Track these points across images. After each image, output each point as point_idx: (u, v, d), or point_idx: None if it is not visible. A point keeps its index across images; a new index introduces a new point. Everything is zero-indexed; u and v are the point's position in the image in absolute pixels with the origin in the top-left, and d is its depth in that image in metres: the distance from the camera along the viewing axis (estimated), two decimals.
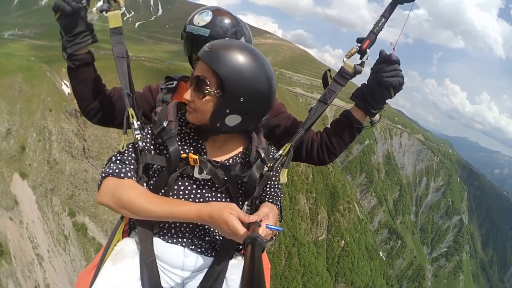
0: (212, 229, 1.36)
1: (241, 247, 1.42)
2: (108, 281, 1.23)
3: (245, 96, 1.25)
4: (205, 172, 1.31)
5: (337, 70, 1.62)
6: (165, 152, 1.34)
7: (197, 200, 1.34)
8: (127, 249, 1.34)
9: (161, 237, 1.35)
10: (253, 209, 1.38)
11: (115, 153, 1.37)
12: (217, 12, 1.73)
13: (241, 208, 1.31)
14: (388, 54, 1.48)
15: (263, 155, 1.35)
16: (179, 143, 1.35)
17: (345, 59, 1.57)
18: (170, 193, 1.32)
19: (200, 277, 1.38)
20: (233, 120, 1.29)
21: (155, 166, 1.35)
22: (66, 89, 55.57)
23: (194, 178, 1.33)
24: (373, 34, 1.54)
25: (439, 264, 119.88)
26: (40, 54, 71.98)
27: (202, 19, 1.69)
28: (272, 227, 1.20)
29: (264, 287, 0.72)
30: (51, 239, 50.19)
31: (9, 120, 50.82)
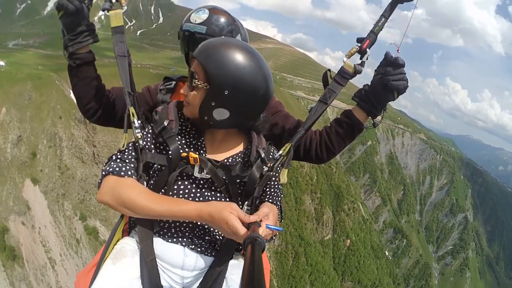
0: (212, 229, 1.36)
1: (241, 247, 1.43)
2: (108, 280, 1.24)
3: (229, 90, 1.25)
4: (205, 171, 1.32)
5: (327, 69, 1.67)
6: (165, 151, 1.35)
7: (197, 200, 1.34)
8: (127, 248, 1.35)
9: (161, 237, 1.36)
10: (253, 209, 1.39)
11: (116, 152, 1.39)
12: (214, 10, 1.78)
13: (241, 208, 1.33)
14: (394, 57, 1.49)
15: (263, 155, 1.36)
16: (179, 142, 1.36)
17: (345, 59, 1.59)
18: (170, 192, 1.33)
19: (200, 276, 1.39)
20: (220, 114, 1.29)
21: (156, 165, 1.36)
22: None
23: (194, 177, 1.34)
24: (373, 34, 1.56)
25: (445, 262, 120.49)
26: (47, 63, 73.45)
27: (199, 17, 1.74)
28: (272, 227, 1.20)
29: (264, 287, 0.72)
30: (63, 243, 51.20)
31: (20, 128, 52.08)
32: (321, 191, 74.27)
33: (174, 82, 1.81)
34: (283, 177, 1.47)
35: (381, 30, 1.55)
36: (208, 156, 1.36)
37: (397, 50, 1.50)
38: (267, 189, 1.45)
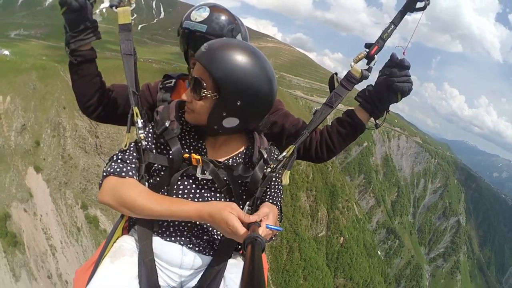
0: (210, 228, 1.36)
1: (239, 246, 1.45)
2: (106, 278, 1.24)
3: (242, 100, 1.22)
4: (207, 172, 1.31)
5: (334, 73, 1.66)
6: (166, 151, 1.33)
7: (197, 200, 1.33)
8: (126, 246, 1.35)
9: (160, 235, 1.35)
10: (254, 210, 1.37)
11: (117, 152, 1.37)
12: (215, 8, 1.76)
13: (242, 208, 1.32)
14: (401, 59, 1.48)
15: (265, 155, 1.34)
16: (182, 143, 1.34)
17: (352, 63, 1.58)
18: (172, 193, 1.32)
19: (198, 275, 1.38)
20: (230, 122, 1.27)
21: (157, 165, 1.34)
22: None
23: (195, 178, 1.33)
24: (382, 40, 1.56)
25: (437, 264, 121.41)
26: (51, 53, 73.63)
27: (199, 15, 1.72)
28: (272, 227, 1.19)
29: (264, 287, 0.73)
30: (64, 231, 52.34)
31: (24, 116, 53.03)
32: (316, 189, 75.53)
33: (174, 80, 1.82)
34: (285, 179, 1.47)
35: (390, 37, 1.57)
36: (209, 157, 1.35)
37: (403, 53, 1.50)
38: (268, 190, 1.44)
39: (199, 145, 1.36)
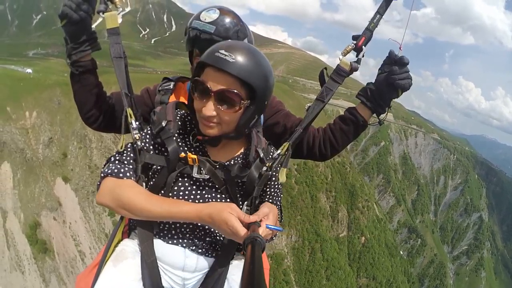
0: (212, 230, 1.35)
1: (241, 247, 1.41)
2: (109, 281, 1.23)
3: (268, 98, 1.28)
4: (204, 171, 1.31)
5: (323, 68, 1.69)
6: (164, 152, 1.33)
7: (196, 200, 1.33)
8: (128, 249, 1.34)
9: (162, 238, 1.35)
10: (252, 209, 1.38)
11: (114, 153, 1.37)
12: (223, 11, 1.78)
13: (240, 208, 1.31)
14: (400, 56, 1.50)
15: (262, 154, 1.35)
16: (179, 143, 1.34)
17: (341, 56, 1.59)
18: (170, 193, 1.32)
19: (201, 277, 1.38)
20: (254, 121, 1.31)
21: (155, 166, 1.34)
22: None
23: (193, 178, 1.33)
24: (369, 31, 1.56)
25: (460, 262, 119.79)
26: None
27: (209, 16, 1.74)
28: (272, 227, 1.19)
29: (265, 287, 0.72)
30: (92, 237, 54.21)
31: (51, 130, 55.39)
32: (335, 190, 75.93)
33: (172, 83, 1.83)
34: (282, 176, 1.46)
35: (377, 26, 1.58)
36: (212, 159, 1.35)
37: (399, 48, 1.50)
38: (267, 189, 1.45)
39: (200, 147, 1.37)
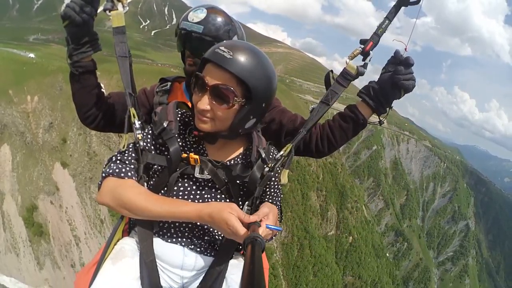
0: (211, 229, 1.35)
1: (241, 247, 1.43)
2: (108, 280, 1.23)
3: (266, 102, 1.27)
4: (205, 172, 1.31)
5: (329, 70, 1.66)
6: (165, 152, 1.33)
7: (197, 200, 1.33)
8: (127, 248, 1.34)
9: (161, 237, 1.35)
10: (253, 209, 1.38)
11: (116, 153, 1.37)
12: (212, 10, 1.77)
13: (241, 208, 1.31)
14: (406, 56, 1.48)
15: (263, 155, 1.35)
16: (180, 143, 1.34)
17: (347, 60, 1.58)
18: (171, 193, 1.32)
19: (199, 276, 1.38)
20: (251, 123, 1.30)
21: (156, 166, 1.34)
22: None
23: (194, 178, 1.33)
24: (377, 36, 1.55)
25: (445, 268, 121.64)
26: None
27: (196, 16, 1.72)
28: (272, 227, 1.19)
29: (264, 287, 0.72)
30: (88, 223, 55.34)
31: (51, 115, 56.32)
32: (326, 189, 77.51)
33: (169, 83, 1.85)
34: (284, 178, 1.47)
35: (385, 32, 1.56)
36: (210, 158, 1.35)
37: (405, 49, 1.49)
38: (267, 189, 1.45)
39: (200, 146, 1.37)
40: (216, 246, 1.39)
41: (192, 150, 1.35)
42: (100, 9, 1.40)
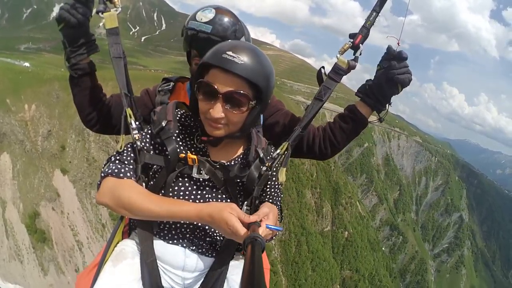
0: (212, 230, 1.35)
1: (241, 247, 1.42)
2: (109, 281, 1.23)
3: (270, 99, 1.31)
4: (203, 172, 1.30)
5: (321, 67, 1.65)
6: (163, 152, 1.32)
7: (196, 201, 1.32)
8: (127, 249, 1.34)
9: (162, 238, 1.35)
10: (252, 209, 1.38)
11: (114, 153, 1.37)
12: (219, 10, 1.76)
13: (240, 208, 1.28)
14: (398, 50, 1.47)
15: (261, 154, 1.35)
16: (179, 143, 1.34)
17: (338, 55, 1.56)
18: (170, 193, 1.31)
19: (201, 277, 1.38)
20: (259, 121, 1.34)
21: (154, 166, 1.34)
22: None
23: (193, 178, 1.32)
24: (365, 28, 1.53)
25: (441, 259, 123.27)
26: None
27: (205, 15, 1.72)
28: (272, 227, 1.19)
29: (265, 287, 0.71)
30: (89, 227, 56.24)
31: (49, 123, 57.06)
32: (320, 187, 78.89)
33: (172, 83, 1.85)
34: (282, 176, 1.45)
35: (373, 24, 1.55)
36: (212, 159, 1.34)
37: (397, 43, 1.48)
38: (267, 189, 1.45)
39: (200, 148, 1.36)
40: (217, 247, 1.39)
41: (192, 150, 1.35)
42: (94, 11, 1.46)
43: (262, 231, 1.12)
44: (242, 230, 1.10)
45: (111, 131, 1.80)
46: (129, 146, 1.35)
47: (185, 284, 1.39)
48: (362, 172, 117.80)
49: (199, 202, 1.32)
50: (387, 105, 1.60)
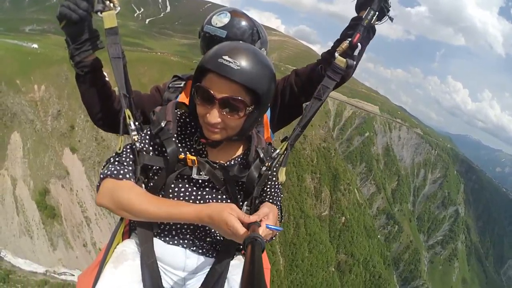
0: (213, 230, 1.34)
1: (241, 247, 1.41)
2: (110, 282, 1.22)
3: (271, 99, 1.29)
4: (203, 173, 1.30)
5: (320, 66, 1.66)
6: (163, 153, 1.32)
7: (196, 201, 1.32)
8: (128, 251, 1.33)
9: (162, 239, 1.35)
10: (252, 209, 1.38)
11: (113, 154, 1.35)
12: (235, 14, 1.75)
13: (240, 209, 1.30)
14: None
15: (261, 155, 1.35)
16: (179, 144, 1.33)
17: (336, 54, 1.55)
18: (169, 194, 1.31)
19: (201, 278, 1.37)
20: (257, 123, 1.32)
21: (154, 167, 1.33)
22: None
23: (193, 179, 1.32)
24: (363, 27, 1.52)
25: (435, 251, 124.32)
26: None
27: (220, 20, 1.70)
28: (272, 227, 1.18)
29: (265, 287, 0.71)
30: None
31: (59, 103, 58.86)
32: (320, 172, 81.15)
33: (183, 82, 1.83)
34: (282, 176, 1.46)
35: (371, 22, 1.53)
36: (211, 160, 1.34)
37: None
38: (267, 189, 1.45)
39: (199, 148, 1.36)
40: (217, 247, 1.41)
41: (192, 151, 1.35)
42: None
43: (262, 231, 1.12)
44: (242, 231, 1.09)
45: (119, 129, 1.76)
46: (128, 147, 1.34)
47: (185, 285, 1.40)
48: (361, 161, 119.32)
49: (199, 203, 1.32)
50: (389, 4, 1.56)
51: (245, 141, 1.44)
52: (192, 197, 1.32)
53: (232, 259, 1.41)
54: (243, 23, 1.77)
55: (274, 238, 1.39)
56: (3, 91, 55.44)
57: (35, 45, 71.13)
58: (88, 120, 62.39)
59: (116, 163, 1.31)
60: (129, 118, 1.37)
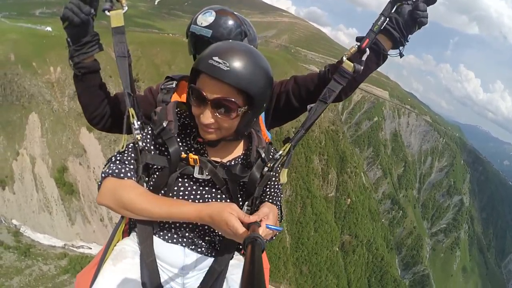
0: (212, 229, 1.34)
1: (241, 247, 1.43)
2: (109, 281, 1.22)
3: (266, 100, 1.28)
4: (205, 172, 1.30)
5: (326, 69, 1.67)
6: (165, 152, 1.32)
7: (197, 201, 1.32)
8: (127, 249, 1.34)
9: (161, 237, 1.35)
10: (253, 209, 1.38)
11: (115, 153, 1.36)
12: (221, 12, 1.73)
13: (241, 208, 1.30)
14: None
15: (263, 155, 1.34)
16: (180, 143, 1.34)
17: (344, 58, 1.54)
18: (171, 193, 1.31)
19: (200, 276, 1.38)
20: (253, 124, 1.32)
21: (156, 166, 1.33)
22: None
23: (194, 178, 1.32)
24: (373, 32, 1.52)
25: (438, 239, 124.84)
26: None
27: (205, 19, 1.69)
28: (272, 227, 1.18)
29: (264, 287, 0.71)
30: None
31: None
32: (328, 154, 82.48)
33: (175, 82, 1.81)
34: (283, 177, 1.46)
35: (381, 29, 1.53)
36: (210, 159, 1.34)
37: None
38: (267, 189, 1.45)
39: (199, 147, 1.37)
40: (217, 246, 1.41)
41: (192, 150, 1.35)
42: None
43: (262, 231, 1.11)
44: (242, 230, 1.09)
45: (116, 130, 1.75)
46: (130, 146, 1.36)
47: (184, 284, 1.41)
48: (369, 145, 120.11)
49: (200, 202, 1.33)
50: (406, 42, 1.59)
51: (245, 141, 1.46)
52: (193, 196, 1.33)
53: (231, 259, 1.44)
54: (229, 21, 1.78)
55: (274, 238, 1.40)
56: (20, 74, 57.05)
57: (49, 28, 72.09)
58: None
59: (118, 162, 1.32)
60: (133, 117, 1.37)
